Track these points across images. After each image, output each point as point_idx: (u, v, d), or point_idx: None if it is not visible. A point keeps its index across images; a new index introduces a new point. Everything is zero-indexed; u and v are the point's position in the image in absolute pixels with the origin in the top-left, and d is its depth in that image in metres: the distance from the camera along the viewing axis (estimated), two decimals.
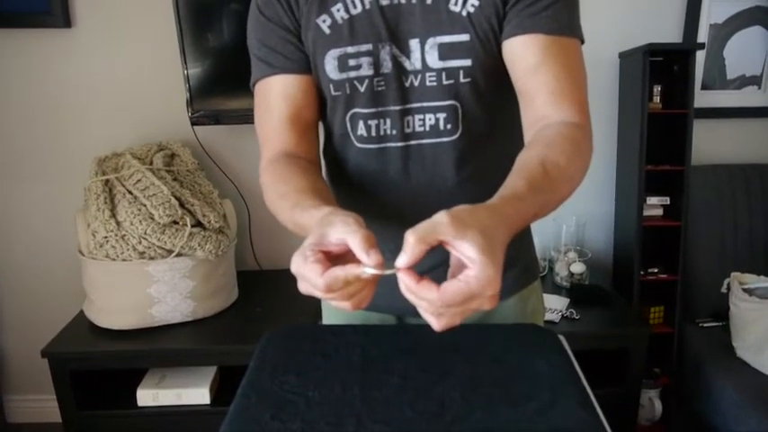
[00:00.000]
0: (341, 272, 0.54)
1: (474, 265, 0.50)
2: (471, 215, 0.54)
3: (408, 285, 0.53)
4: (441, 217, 0.52)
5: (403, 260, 0.52)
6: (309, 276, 0.55)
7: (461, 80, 0.80)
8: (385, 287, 0.92)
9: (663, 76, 1.87)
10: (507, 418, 0.69)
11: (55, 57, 1.91)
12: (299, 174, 0.78)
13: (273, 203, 0.78)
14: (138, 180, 1.62)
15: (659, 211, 1.93)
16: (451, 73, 0.79)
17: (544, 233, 2.04)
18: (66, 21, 1.86)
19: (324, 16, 0.80)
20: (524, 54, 0.76)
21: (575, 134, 0.73)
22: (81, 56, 1.92)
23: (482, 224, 0.53)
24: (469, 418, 0.69)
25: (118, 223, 1.58)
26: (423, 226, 0.52)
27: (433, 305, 0.53)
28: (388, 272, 0.54)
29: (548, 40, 0.75)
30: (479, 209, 0.56)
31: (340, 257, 0.58)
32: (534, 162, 0.67)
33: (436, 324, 0.55)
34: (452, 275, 0.53)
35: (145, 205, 1.58)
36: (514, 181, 0.64)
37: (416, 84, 0.81)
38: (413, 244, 0.51)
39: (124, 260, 1.58)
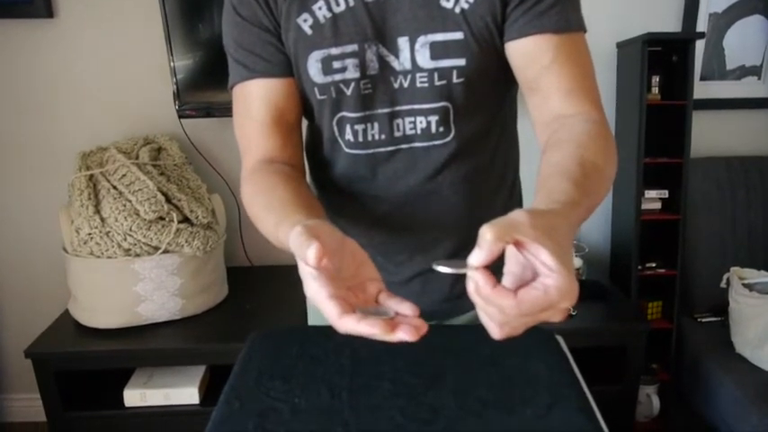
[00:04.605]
0: (356, 327, 0.50)
1: (553, 273, 0.46)
2: (548, 220, 0.50)
3: (482, 288, 0.48)
4: (520, 216, 0.48)
5: (479, 258, 0.47)
6: (328, 314, 0.52)
7: (454, 80, 0.76)
8: None
9: (661, 66, 1.84)
10: (503, 424, 0.66)
11: (37, 48, 1.86)
12: (281, 184, 0.74)
13: (257, 217, 0.73)
14: (123, 175, 1.58)
15: (657, 205, 1.90)
16: (444, 73, 0.75)
17: None
18: (48, 10, 1.80)
19: (305, 15, 0.75)
20: (535, 54, 0.73)
21: (601, 131, 0.70)
22: (64, 47, 1.86)
23: (558, 232, 0.49)
24: (463, 424, 0.66)
25: (102, 219, 1.54)
26: (501, 223, 0.48)
27: (503, 313, 0.48)
28: (462, 271, 0.48)
29: (558, 39, 0.72)
30: (553, 215, 0.52)
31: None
32: (574, 164, 0.63)
33: (498, 332, 0.51)
34: (514, 282, 0.50)
35: (130, 201, 1.53)
36: (561, 185, 0.59)
37: (406, 85, 0.77)
38: (490, 241, 0.46)
39: (109, 257, 1.54)
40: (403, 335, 0.49)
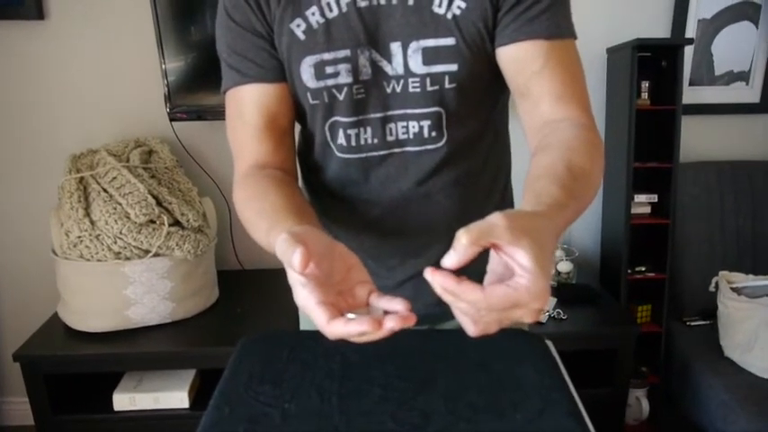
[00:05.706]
0: (345, 329, 0.51)
1: (526, 274, 0.47)
2: (528, 221, 0.50)
3: (447, 284, 0.48)
4: (497, 219, 0.48)
5: (452, 261, 0.48)
6: (316, 321, 0.52)
7: (446, 86, 0.76)
8: None
9: (651, 71, 1.85)
10: (493, 429, 0.66)
11: (27, 50, 1.85)
12: (274, 189, 0.74)
13: (249, 222, 0.73)
14: (114, 178, 1.57)
15: (647, 209, 1.91)
16: (436, 78, 0.76)
17: None
18: (39, 12, 1.79)
19: (298, 20, 0.75)
20: (526, 60, 0.74)
21: (589, 136, 0.71)
22: (55, 49, 1.85)
23: (538, 232, 0.49)
24: (453, 429, 0.66)
25: (92, 222, 1.53)
26: (477, 227, 0.48)
27: (474, 307, 0.49)
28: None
29: (549, 45, 0.73)
30: (534, 216, 0.53)
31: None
32: (562, 167, 0.63)
33: (472, 329, 0.53)
34: (495, 280, 0.50)
35: (120, 204, 1.53)
36: (549, 187, 0.60)
37: (398, 90, 0.77)
38: (465, 245, 0.47)
39: (99, 260, 1.53)
40: (390, 323, 0.51)
